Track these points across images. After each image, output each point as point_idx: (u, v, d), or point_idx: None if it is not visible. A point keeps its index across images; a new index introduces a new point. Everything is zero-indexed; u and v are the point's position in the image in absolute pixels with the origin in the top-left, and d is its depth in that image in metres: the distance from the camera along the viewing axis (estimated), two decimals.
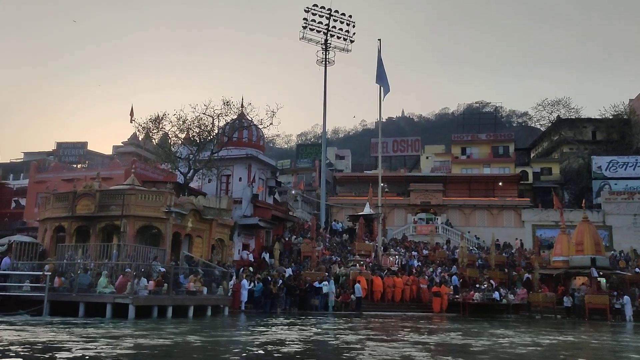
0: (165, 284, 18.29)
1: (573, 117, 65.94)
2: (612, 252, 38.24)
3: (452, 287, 28.31)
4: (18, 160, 56.16)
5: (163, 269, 19.21)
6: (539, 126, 76.47)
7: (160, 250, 21.05)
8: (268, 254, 29.80)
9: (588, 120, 63.65)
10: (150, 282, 17.93)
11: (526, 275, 30.52)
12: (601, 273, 27.97)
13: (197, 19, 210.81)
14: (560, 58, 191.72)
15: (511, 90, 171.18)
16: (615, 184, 50.01)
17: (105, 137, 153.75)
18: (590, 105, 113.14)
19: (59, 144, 53.38)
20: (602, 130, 61.43)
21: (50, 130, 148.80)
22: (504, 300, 26.87)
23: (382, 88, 33.43)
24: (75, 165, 43.88)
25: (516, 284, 30.24)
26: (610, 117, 61.88)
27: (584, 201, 35.66)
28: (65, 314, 16.86)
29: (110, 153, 54.15)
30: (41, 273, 18.35)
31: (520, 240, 42.91)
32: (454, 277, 29.67)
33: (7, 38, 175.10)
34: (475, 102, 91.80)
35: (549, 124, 68.55)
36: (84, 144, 53.22)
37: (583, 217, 30.20)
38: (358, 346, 11.08)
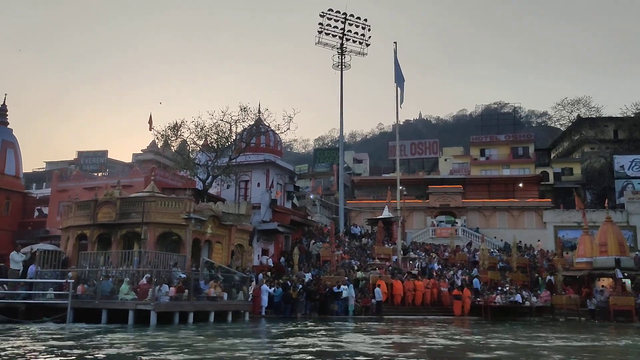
0: (186, 290, 18.42)
1: (594, 116, 65.01)
2: (637, 252, 37.51)
3: (473, 289, 28.03)
4: (40, 170, 57.02)
5: (184, 275, 19.34)
6: (558, 126, 75.59)
7: (180, 257, 21.19)
8: (286, 259, 29.88)
9: (609, 119, 62.66)
10: (171, 288, 18.07)
11: (548, 277, 30.12)
12: (626, 274, 27.47)
13: (212, 27, 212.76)
14: (579, 57, 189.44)
15: (530, 90, 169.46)
16: (639, 183, 49.13)
17: (125, 146, 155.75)
18: (611, 104, 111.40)
19: (80, 153, 54.14)
20: (624, 129, 60.44)
21: (72, 139, 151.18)
22: (527, 303, 26.51)
23: (399, 89, 33.26)
24: (96, 174, 44.49)
25: (539, 286, 29.85)
26: (632, 116, 60.86)
27: (606, 201, 35.13)
28: (89, 321, 17.05)
29: (130, 161, 54.77)
30: (64, 281, 18.61)
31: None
32: (475, 279, 29.38)
33: (28, 48, 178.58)
34: (494, 103, 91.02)
35: (569, 124, 67.67)
36: (105, 153, 53.89)
37: (606, 218, 29.73)
38: None
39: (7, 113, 36.82)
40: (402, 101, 33.40)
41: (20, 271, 20.42)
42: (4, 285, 18.73)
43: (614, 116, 63.16)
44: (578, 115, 65.70)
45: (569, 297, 26.97)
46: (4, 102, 36.98)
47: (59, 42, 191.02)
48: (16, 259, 20.57)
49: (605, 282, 28.00)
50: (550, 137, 73.76)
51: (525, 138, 59.18)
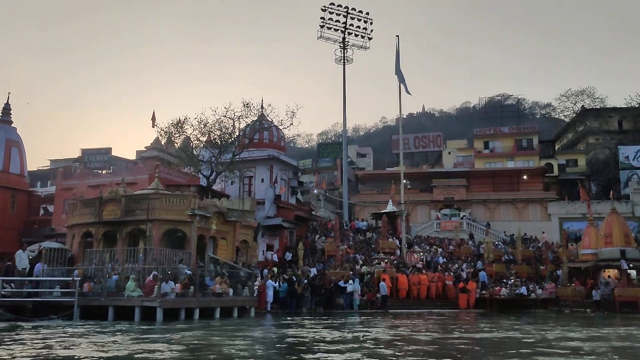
0: (192, 287, 18.50)
1: (598, 106, 64.60)
2: None
3: (480, 283, 28.05)
4: (45, 168, 57.20)
5: (189, 272, 19.42)
6: (563, 117, 75.13)
7: (185, 253, 21.27)
8: (291, 254, 29.96)
9: (614, 110, 62.27)
10: (177, 284, 18.15)
11: (558, 271, 30.06)
12: (631, 265, 27.43)
13: (215, 23, 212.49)
14: (583, 47, 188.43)
15: (533, 82, 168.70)
16: None
17: (128, 143, 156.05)
18: (616, 94, 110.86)
19: (84, 151, 54.20)
20: (628, 120, 60.04)
21: (76, 137, 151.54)
22: (532, 295, 26.52)
23: (401, 85, 33.16)
24: (100, 171, 44.63)
25: (545, 279, 29.85)
26: (637, 106, 60.46)
27: (612, 192, 34.97)
28: (95, 318, 17.16)
29: (134, 158, 54.87)
30: (71, 278, 18.72)
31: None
32: (482, 272, 29.39)
33: (32, 46, 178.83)
34: (497, 95, 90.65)
35: (574, 115, 67.29)
36: (109, 150, 53.93)
37: (611, 209, 29.67)
38: None
39: (11, 112, 36.89)
40: (407, 92, 33.26)
41: (27, 269, 20.54)
42: (11, 284, 18.85)
43: (619, 107, 62.71)
44: (582, 106, 65.30)
45: (574, 289, 26.97)
46: (8, 100, 37.06)
47: (61, 40, 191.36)
48: (23, 257, 20.68)
49: (611, 273, 27.99)
50: (555, 128, 73.42)
51: (530, 130, 58.93)
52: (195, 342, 11.37)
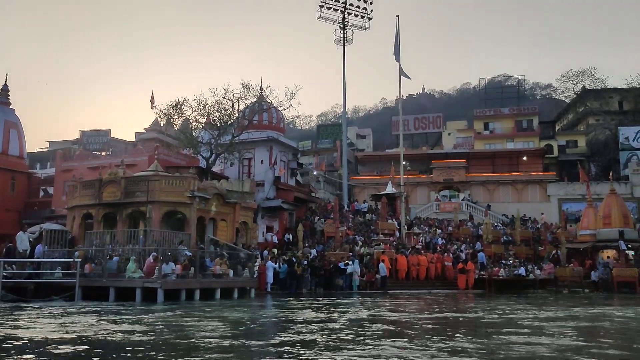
0: (192, 268, 18.60)
1: (599, 87, 64.32)
2: None
3: (478, 264, 28.22)
4: (44, 150, 57.11)
5: (190, 253, 19.51)
6: (563, 98, 74.83)
7: (185, 235, 21.34)
8: (291, 235, 30.07)
9: (614, 90, 62.02)
10: (177, 266, 18.25)
11: (558, 252, 30.21)
12: (629, 246, 27.59)
13: (214, 3, 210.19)
14: (584, 27, 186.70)
15: (534, 62, 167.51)
16: None
17: (127, 124, 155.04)
18: (617, 75, 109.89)
19: (83, 132, 53.96)
20: (629, 100, 59.88)
21: (74, 118, 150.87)
22: (531, 276, 26.70)
23: (401, 66, 33.02)
24: (99, 153, 44.52)
25: (543, 259, 30.02)
26: (637, 86, 60.23)
27: (611, 173, 35.03)
28: (97, 299, 17.29)
29: (133, 140, 54.69)
30: (72, 260, 18.82)
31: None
32: (481, 253, 29.55)
33: (29, 26, 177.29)
34: (497, 76, 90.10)
35: (574, 96, 67.03)
36: (108, 132, 53.65)
37: (610, 190, 29.75)
38: None
39: (9, 93, 36.74)
40: (405, 75, 33.15)
41: (28, 251, 20.64)
42: (13, 265, 18.96)
43: (619, 87, 62.47)
44: (583, 87, 65.00)
45: (572, 269, 27.16)
46: (6, 82, 36.88)
47: (59, 19, 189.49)
48: (23, 238, 20.77)
49: (609, 254, 28.14)
50: (555, 109, 73.16)
51: (530, 111, 58.76)
52: (163, 322, 11.38)
